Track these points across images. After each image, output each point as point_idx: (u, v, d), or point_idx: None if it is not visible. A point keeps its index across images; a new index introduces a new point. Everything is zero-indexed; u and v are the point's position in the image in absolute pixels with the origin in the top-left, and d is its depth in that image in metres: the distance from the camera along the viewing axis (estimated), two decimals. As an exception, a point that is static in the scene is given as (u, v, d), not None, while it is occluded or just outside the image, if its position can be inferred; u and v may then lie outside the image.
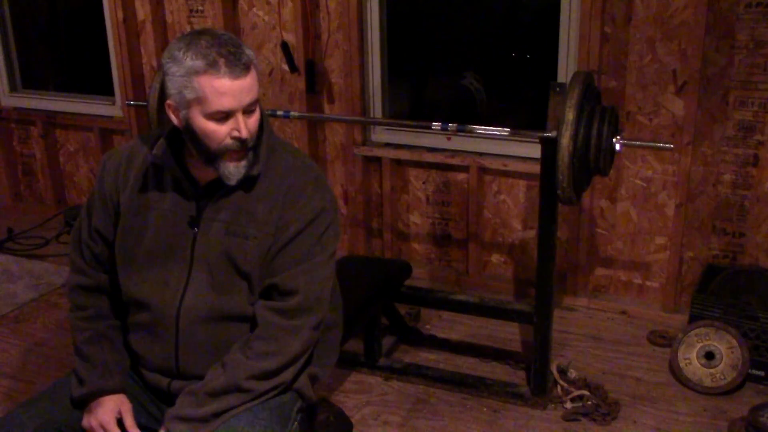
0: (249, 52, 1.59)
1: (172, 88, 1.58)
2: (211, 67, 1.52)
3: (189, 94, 1.55)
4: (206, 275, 1.68)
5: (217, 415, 1.62)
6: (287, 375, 1.69)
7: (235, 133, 1.58)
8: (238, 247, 1.66)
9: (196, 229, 1.69)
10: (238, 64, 1.54)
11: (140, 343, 1.75)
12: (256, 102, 1.61)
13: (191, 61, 1.53)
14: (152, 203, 1.71)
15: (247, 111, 1.59)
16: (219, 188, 1.68)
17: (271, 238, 1.67)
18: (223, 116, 1.57)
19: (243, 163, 1.63)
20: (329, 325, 1.83)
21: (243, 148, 1.60)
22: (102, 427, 1.67)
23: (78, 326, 1.79)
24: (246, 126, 1.59)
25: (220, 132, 1.58)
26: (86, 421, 1.69)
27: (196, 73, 1.53)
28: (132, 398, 1.75)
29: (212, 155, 1.61)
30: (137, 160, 1.74)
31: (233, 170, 1.62)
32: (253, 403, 1.65)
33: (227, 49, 1.54)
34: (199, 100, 1.55)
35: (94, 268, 1.81)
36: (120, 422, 1.70)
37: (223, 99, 1.54)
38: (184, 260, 1.69)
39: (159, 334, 1.70)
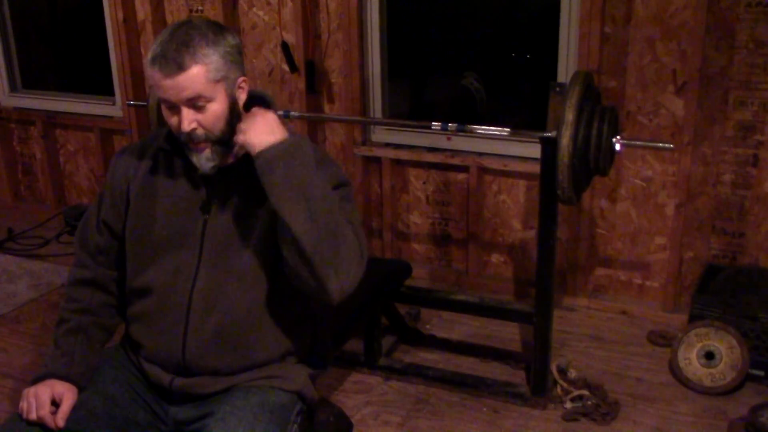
0: (198, 52, 1.56)
1: None
2: (152, 62, 1.59)
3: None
4: (217, 261, 1.68)
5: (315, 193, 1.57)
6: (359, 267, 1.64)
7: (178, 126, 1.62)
8: (250, 230, 1.67)
9: (206, 215, 1.70)
10: (171, 64, 1.56)
11: (146, 333, 1.75)
12: (201, 98, 1.59)
13: (150, 53, 1.61)
14: (162, 190, 1.73)
15: (193, 106, 1.60)
16: (226, 174, 1.69)
17: None
18: (170, 106, 1.61)
19: (206, 154, 1.64)
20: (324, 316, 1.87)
21: (189, 140, 1.62)
22: (35, 398, 1.66)
23: (63, 317, 1.80)
24: (187, 119, 1.60)
25: (171, 120, 1.63)
26: (25, 390, 1.69)
27: (147, 64, 1.61)
28: (137, 396, 1.75)
29: (180, 143, 1.67)
30: (149, 152, 1.78)
31: (195, 161, 1.65)
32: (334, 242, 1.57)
33: (172, 47, 1.56)
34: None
35: (96, 261, 1.81)
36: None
37: (160, 91, 1.60)
38: (194, 246, 1.70)
39: (167, 323, 1.70)
